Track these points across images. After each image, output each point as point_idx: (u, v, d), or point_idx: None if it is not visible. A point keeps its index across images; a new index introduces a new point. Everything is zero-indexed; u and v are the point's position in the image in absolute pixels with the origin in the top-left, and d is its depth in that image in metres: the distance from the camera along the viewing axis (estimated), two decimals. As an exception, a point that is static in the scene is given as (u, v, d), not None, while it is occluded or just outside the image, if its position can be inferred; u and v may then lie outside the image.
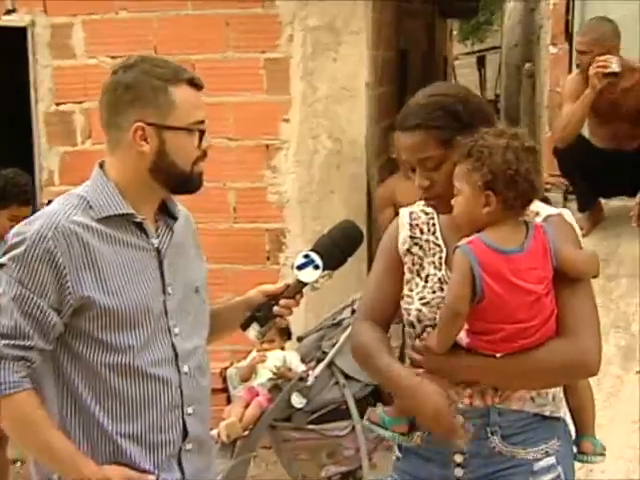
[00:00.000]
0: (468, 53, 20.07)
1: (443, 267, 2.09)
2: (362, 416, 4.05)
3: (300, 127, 5.11)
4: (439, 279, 2.08)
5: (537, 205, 2.01)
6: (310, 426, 4.12)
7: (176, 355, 1.98)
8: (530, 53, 7.38)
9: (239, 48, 5.10)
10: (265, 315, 2.11)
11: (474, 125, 1.99)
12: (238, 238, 5.20)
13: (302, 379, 4.17)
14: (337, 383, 4.22)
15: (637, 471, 3.49)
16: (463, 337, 1.94)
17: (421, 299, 2.09)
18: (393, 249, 2.17)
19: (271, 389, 4.22)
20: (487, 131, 1.97)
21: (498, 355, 1.92)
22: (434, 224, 2.15)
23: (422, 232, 2.16)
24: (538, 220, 2.01)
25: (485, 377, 1.98)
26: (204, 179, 2.00)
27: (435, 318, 2.04)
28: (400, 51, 6.85)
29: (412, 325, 2.11)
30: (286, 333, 4.35)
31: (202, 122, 1.95)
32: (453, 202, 2.00)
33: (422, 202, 2.15)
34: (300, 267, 2.10)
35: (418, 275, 2.12)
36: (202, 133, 1.95)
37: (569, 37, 5.12)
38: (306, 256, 2.10)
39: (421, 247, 2.14)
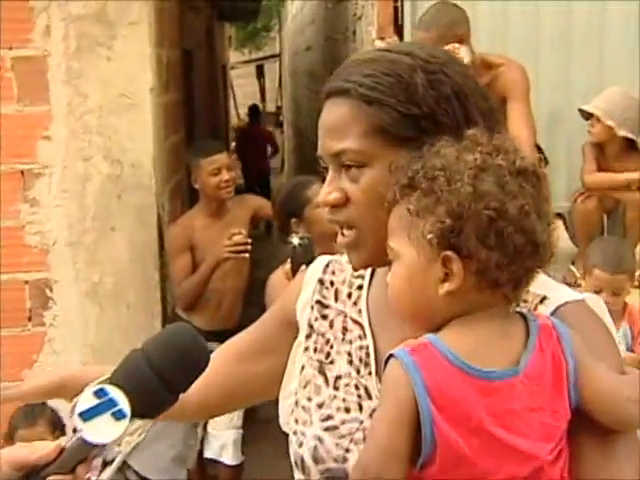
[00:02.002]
0: (245, 62, 19.56)
1: (364, 367, 1.27)
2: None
3: (66, 147, 4.11)
4: (356, 386, 1.26)
5: (542, 282, 1.19)
6: None
7: None
8: (337, 54, 6.77)
9: (-24, 43, 4.02)
10: None
11: (440, 120, 1.17)
12: (-12, 294, 4.14)
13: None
14: None
15: None
16: None
17: (324, 419, 1.28)
18: (285, 315, 1.42)
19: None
20: (444, 142, 1.13)
21: None
22: (360, 287, 1.33)
23: (337, 297, 1.34)
24: (544, 311, 1.19)
25: None
26: None
27: (344, 460, 1.21)
28: (185, 52, 5.99)
29: (301, 468, 1.28)
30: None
31: None
32: (388, 279, 1.16)
33: None
34: (86, 414, 1.14)
35: (320, 372, 1.31)
36: None
37: (399, 29, 4.53)
38: (98, 393, 1.14)
39: (331, 324, 1.33)
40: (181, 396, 1.18)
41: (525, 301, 1.18)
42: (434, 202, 1.08)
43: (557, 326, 1.12)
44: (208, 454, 4.16)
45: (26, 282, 4.16)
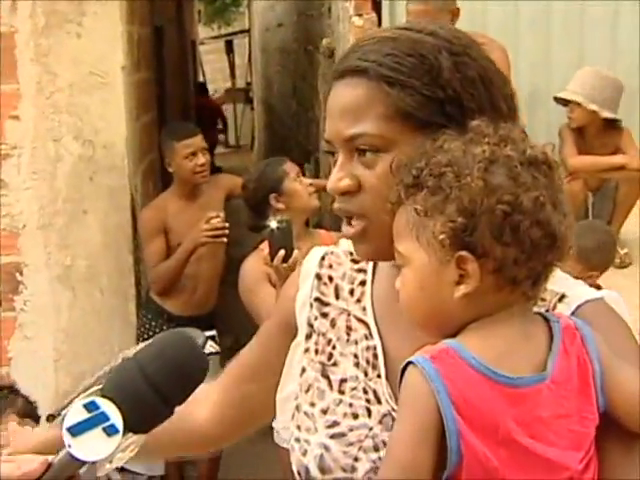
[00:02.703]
0: (214, 37, 19.31)
1: (372, 370, 1.19)
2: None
3: (35, 127, 3.98)
4: (364, 390, 1.18)
5: (558, 278, 1.12)
6: None
7: None
8: (311, 31, 6.66)
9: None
10: None
11: (465, 105, 1.10)
12: (-44, 278, 4.02)
13: None
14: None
15: None
16: None
17: (330, 426, 1.19)
18: (284, 317, 1.33)
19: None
20: (447, 136, 1.06)
21: None
22: (363, 282, 1.25)
23: (338, 294, 1.25)
24: (564, 310, 1.12)
25: None
26: None
27: (353, 469, 1.14)
28: (155, 28, 5.85)
29: (305, 478, 1.20)
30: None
31: None
32: (397, 284, 1.09)
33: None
34: (75, 429, 1.06)
35: (323, 375, 1.23)
36: None
37: (376, 6, 4.44)
38: (89, 406, 1.06)
39: (333, 323, 1.24)
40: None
41: (543, 299, 1.11)
42: (443, 200, 1.01)
43: (580, 327, 1.06)
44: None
45: (-5, 266, 4.05)
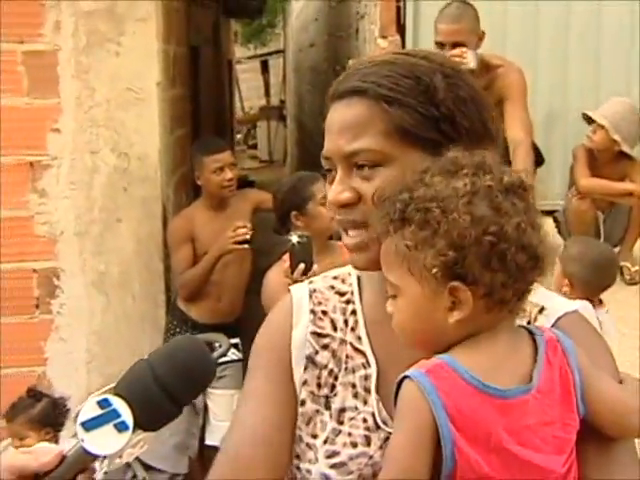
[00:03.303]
0: (251, 57, 19.41)
1: (373, 398, 1.18)
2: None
3: (74, 139, 4.02)
4: (363, 419, 1.18)
5: (537, 291, 1.12)
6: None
7: None
8: (340, 51, 6.68)
9: (-11, 37, 3.92)
10: None
11: (458, 122, 1.12)
12: (-4, 282, 4.06)
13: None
14: (135, 477, 3.32)
15: None
16: None
17: (330, 456, 1.18)
18: (282, 356, 1.25)
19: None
20: (426, 168, 1.07)
21: None
22: (354, 312, 1.24)
23: (335, 326, 1.24)
24: (544, 322, 1.14)
25: None
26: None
27: None
28: (191, 48, 5.89)
29: None
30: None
31: None
32: (389, 308, 1.09)
33: (332, 272, 1.25)
34: (88, 424, 1.08)
35: (327, 407, 1.21)
36: None
37: (401, 28, 4.42)
38: (102, 403, 1.08)
39: (334, 354, 1.22)
40: None
41: (524, 310, 1.11)
42: (432, 235, 1.02)
43: (562, 340, 1.08)
44: (210, 441, 4.09)
45: (34, 271, 4.08)
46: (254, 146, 17.46)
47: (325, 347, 1.24)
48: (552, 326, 1.13)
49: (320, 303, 1.26)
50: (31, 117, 3.99)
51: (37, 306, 4.11)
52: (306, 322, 1.26)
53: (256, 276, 4.03)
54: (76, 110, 4.02)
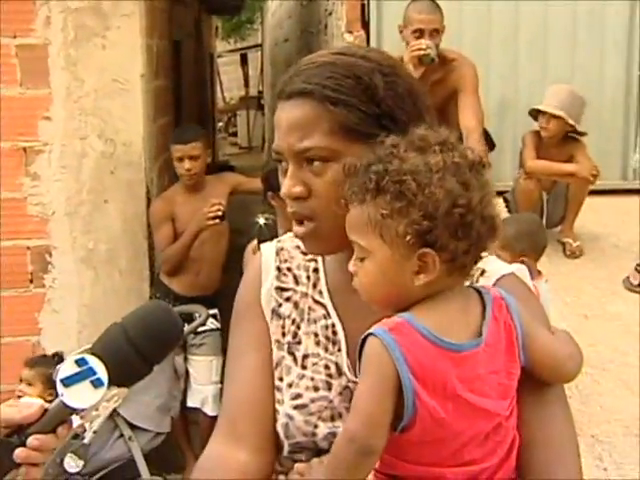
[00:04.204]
0: (231, 51, 19.28)
1: (332, 345, 1.22)
2: (153, 472, 3.30)
3: (65, 126, 4.00)
4: (325, 366, 1.21)
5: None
6: (89, 493, 3.13)
7: None
8: (311, 45, 6.67)
9: (-17, 32, 3.89)
10: None
11: (398, 118, 1.14)
12: (-7, 258, 4.05)
13: (77, 436, 3.13)
14: (122, 436, 3.27)
15: None
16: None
17: (294, 398, 1.23)
18: (256, 311, 1.28)
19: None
20: (396, 143, 1.08)
21: None
22: (316, 269, 1.27)
23: (297, 281, 1.27)
24: (485, 283, 1.17)
25: None
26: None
27: (313, 435, 1.19)
28: (174, 42, 5.85)
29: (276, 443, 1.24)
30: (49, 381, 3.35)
31: None
32: (352, 268, 1.11)
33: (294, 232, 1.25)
34: (67, 380, 1.11)
35: (290, 353, 1.24)
36: None
37: (365, 24, 4.44)
38: (79, 362, 1.11)
39: (296, 305, 1.26)
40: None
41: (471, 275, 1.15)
42: (407, 205, 1.04)
43: (505, 297, 1.11)
44: (190, 403, 4.12)
45: (28, 248, 4.08)
46: (234, 134, 17.35)
47: (288, 299, 1.27)
48: (492, 285, 1.17)
49: (286, 260, 1.30)
50: (24, 106, 3.97)
51: (31, 280, 4.11)
52: (272, 276, 1.29)
53: (233, 254, 4.06)
54: (66, 99, 4.00)
